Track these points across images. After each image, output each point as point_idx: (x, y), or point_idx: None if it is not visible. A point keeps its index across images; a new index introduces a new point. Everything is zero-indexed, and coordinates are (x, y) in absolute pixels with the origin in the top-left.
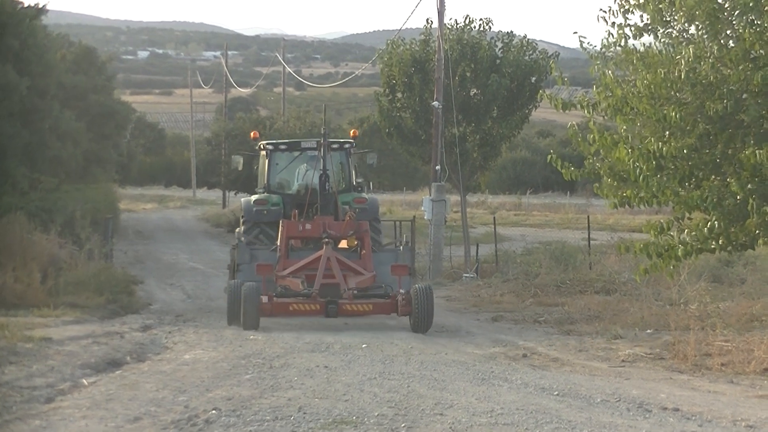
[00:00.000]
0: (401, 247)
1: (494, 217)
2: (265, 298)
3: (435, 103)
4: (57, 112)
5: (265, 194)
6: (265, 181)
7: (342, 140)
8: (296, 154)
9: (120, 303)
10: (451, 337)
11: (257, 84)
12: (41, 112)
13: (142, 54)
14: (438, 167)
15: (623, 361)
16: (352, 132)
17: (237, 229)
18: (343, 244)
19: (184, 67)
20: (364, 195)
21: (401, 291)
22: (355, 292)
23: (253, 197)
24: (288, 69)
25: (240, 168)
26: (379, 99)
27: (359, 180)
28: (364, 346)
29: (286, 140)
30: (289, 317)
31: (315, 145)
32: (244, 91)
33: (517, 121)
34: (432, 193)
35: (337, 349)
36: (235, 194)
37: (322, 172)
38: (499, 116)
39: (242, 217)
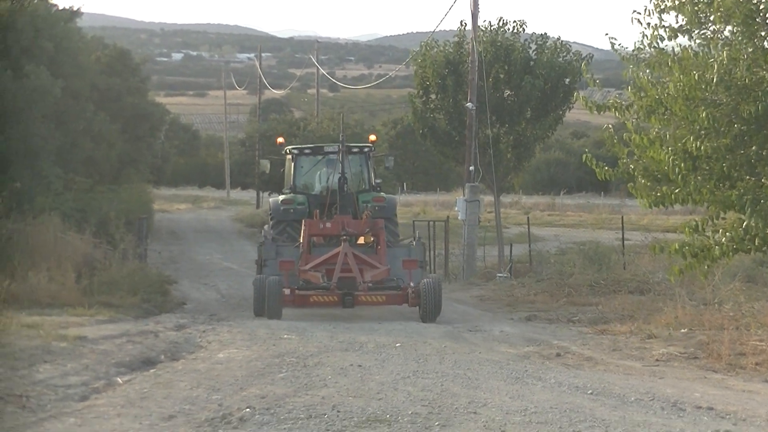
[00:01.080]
0: (413, 243)
1: (528, 218)
2: (287, 291)
3: (469, 104)
4: (91, 113)
5: (291, 194)
6: (291, 183)
7: (361, 144)
8: (319, 157)
9: (154, 302)
10: (485, 336)
11: (291, 86)
12: (75, 113)
13: (176, 56)
14: (472, 168)
15: (657, 360)
16: (371, 137)
17: (264, 227)
18: (361, 240)
19: (217, 68)
20: (383, 195)
21: (411, 284)
22: (370, 284)
23: (281, 197)
24: (322, 70)
25: (267, 171)
26: (413, 100)
27: (378, 181)
28: (397, 345)
29: (310, 145)
30: (310, 308)
31: (336, 150)
32: (278, 93)
33: (550, 123)
34: (466, 194)
35: (370, 348)
36: (269, 195)
37: (340, 174)
38: (532, 117)
39: (270, 215)
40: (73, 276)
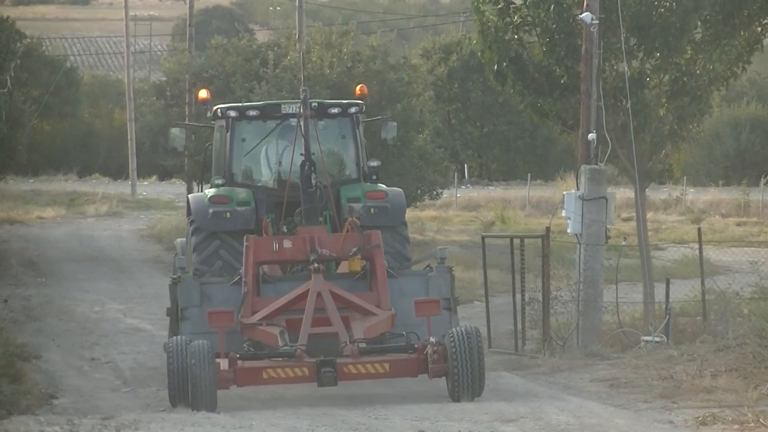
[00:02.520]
0: (433, 269)
1: (699, 229)
2: (224, 363)
3: (586, 14)
4: None
5: (227, 188)
6: (226, 168)
7: (344, 102)
8: (272, 124)
9: None
10: None
11: None
12: None
13: None
14: (593, 135)
15: None
16: (358, 88)
17: (175, 243)
18: (345, 268)
19: None
20: (382, 187)
21: (432, 340)
22: (363, 345)
23: (209, 192)
24: None
25: (180, 148)
26: (481, 8)
27: (373, 164)
28: None
29: (257, 103)
30: (264, 387)
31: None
32: None
33: (739, 49)
34: (582, 186)
35: None
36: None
37: (303, 156)
38: (705, 40)
39: (190, 224)
40: None
